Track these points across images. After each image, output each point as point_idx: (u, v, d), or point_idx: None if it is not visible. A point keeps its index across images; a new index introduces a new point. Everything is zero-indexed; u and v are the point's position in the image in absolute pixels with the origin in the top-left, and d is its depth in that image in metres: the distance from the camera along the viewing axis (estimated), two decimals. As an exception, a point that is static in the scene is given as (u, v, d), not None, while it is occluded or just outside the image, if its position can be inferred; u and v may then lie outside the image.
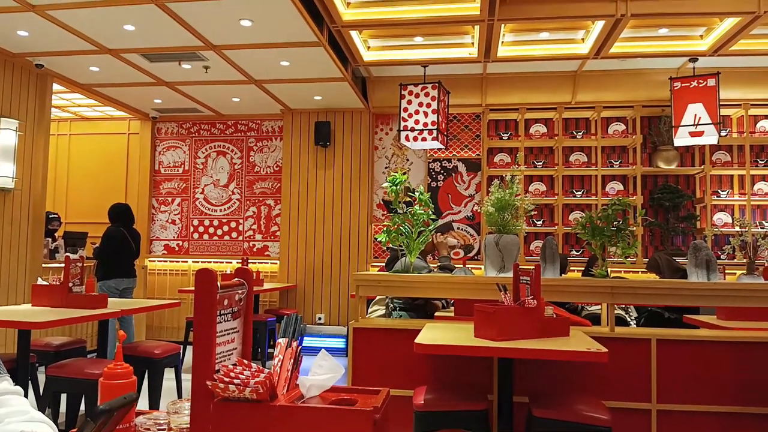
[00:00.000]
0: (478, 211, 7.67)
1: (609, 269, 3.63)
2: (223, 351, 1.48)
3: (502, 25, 5.64)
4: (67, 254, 4.61)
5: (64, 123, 9.00)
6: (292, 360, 1.51)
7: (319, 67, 6.22)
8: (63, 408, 4.13)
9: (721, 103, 5.94)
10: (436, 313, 4.05)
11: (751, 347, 3.19)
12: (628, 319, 5.31)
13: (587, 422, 2.56)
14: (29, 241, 6.30)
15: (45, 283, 4.09)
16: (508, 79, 7.33)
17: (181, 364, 4.67)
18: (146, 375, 4.19)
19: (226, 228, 8.38)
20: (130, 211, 6.47)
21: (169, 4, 4.76)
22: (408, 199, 3.72)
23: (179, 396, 4.67)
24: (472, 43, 6.14)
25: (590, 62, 6.61)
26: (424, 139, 6.21)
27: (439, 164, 7.85)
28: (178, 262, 8.39)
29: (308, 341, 7.50)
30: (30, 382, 3.84)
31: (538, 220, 7.55)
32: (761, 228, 7.03)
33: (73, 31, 5.34)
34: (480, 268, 6.34)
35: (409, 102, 6.25)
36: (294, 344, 1.53)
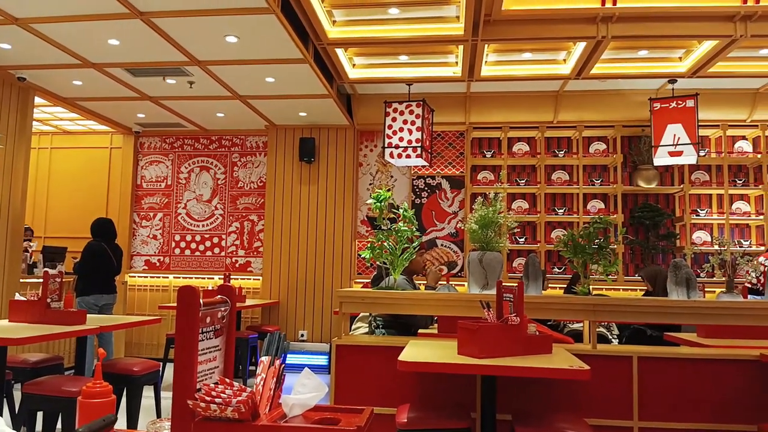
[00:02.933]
0: (462, 228, 7.70)
1: (591, 287, 3.66)
2: (205, 369, 1.46)
3: (486, 46, 5.71)
4: (46, 269, 4.54)
5: (46, 136, 8.92)
6: (274, 378, 1.50)
7: (305, 83, 6.24)
8: (39, 426, 4.04)
9: (699, 123, 6.06)
10: (420, 331, 4.05)
11: (732, 365, 3.22)
12: (610, 337, 5.35)
13: (570, 440, 2.56)
14: (7, 256, 6.19)
15: (23, 298, 4.01)
16: (491, 98, 7.42)
17: (161, 382, 4.60)
18: (125, 393, 4.11)
19: (208, 243, 8.32)
20: (113, 225, 6.40)
21: (155, 20, 4.76)
22: (392, 215, 3.73)
23: (158, 415, 4.59)
24: (456, 63, 6.20)
25: (572, 82, 6.71)
26: (408, 156, 6.24)
27: (423, 181, 7.89)
28: (159, 277, 8.29)
29: (291, 358, 7.42)
30: (5, 399, 3.75)
31: (520, 238, 7.60)
32: (740, 246, 7.14)
33: (56, 45, 5.31)
34: (464, 285, 6.35)
35: (394, 119, 6.29)
36: (277, 362, 1.52)
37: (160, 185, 8.52)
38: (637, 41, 5.62)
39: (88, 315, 4.01)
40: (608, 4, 5.05)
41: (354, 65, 6.46)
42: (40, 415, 4.01)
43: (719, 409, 3.19)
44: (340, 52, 5.94)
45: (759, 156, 7.28)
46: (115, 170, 8.70)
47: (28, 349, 5.46)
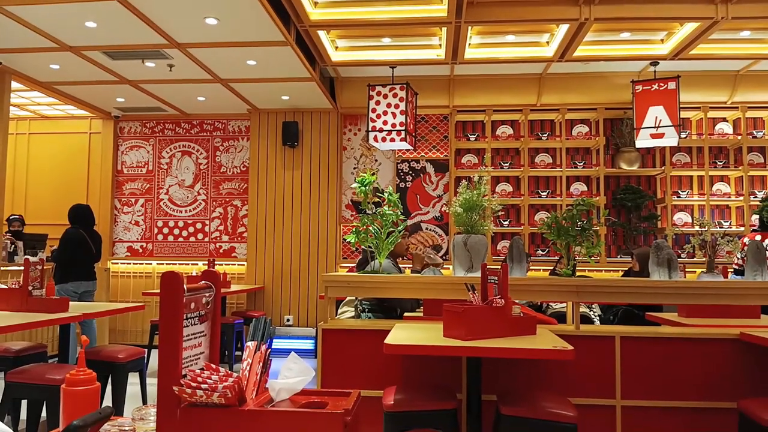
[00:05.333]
0: (447, 211, 7.72)
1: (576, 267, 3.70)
2: (190, 355, 1.45)
3: (469, 28, 5.69)
4: (27, 257, 4.47)
5: (23, 122, 8.75)
6: (261, 363, 1.49)
7: (287, 66, 6.17)
8: (23, 415, 4.01)
9: (681, 105, 6.11)
10: (405, 314, 4.06)
11: (712, 343, 3.28)
12: (592, 316, 5.42)
13: (553, 419, 2.60)
14: (-14, 244, 6.10)
15: (4, 286, 3.96)
16: (475, 80, 7.40)
17: (146, 369, 4.58)
18: (110, 380, 4.10)
19: (191, 229, 8.26)
20: (90, 212, 6.30)
21: (133, 2, 4.67)
22: (377, 199, 3.72)
23: (144, 402, 4.58)
24: (440, 45, 6.17)
25: (555, 65, 6.71)
26: (392, 140, 6.22)
27: (408, 165, 7.88)
28: (142, 264, 8.22)
29: (277, 343, 7.44)
30: (-13, 389, 3.71)
31: (504, 221, 7.64)
32: (720, 227, 7.25)
33: (33, 28, 5.19)
34: (449, 268, 6.38)
35: (378, 103, 6.26)
36: (263, 347, 1.52)
37: (141, 171, 8.42)
38: (620, 23, 5.63)
39: (70, 302, 3.97)
40: (591, -14, 5.04)
41: (337, 48, 6.40)
42: (24, 403, 3.98)
43: (700, 387, 3.25)
44: (322, 34, 5.88)
45: (739, 138, 7.36)
46: (94, 156, 8.57)
47: (10, 337, 5.40)
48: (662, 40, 6.09)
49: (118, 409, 4.02)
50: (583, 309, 5.28)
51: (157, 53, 5.83)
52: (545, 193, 7.63)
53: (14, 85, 6.66)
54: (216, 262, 7.76)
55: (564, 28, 5.64)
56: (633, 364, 3.29)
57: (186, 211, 8.29)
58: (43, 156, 8.71)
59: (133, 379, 4.37)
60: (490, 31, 5.94)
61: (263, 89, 7.09)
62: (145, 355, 4.44)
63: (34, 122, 8.78)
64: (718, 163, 7.48)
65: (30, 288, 3.83)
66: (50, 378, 3.44)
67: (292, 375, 1.49)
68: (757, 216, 5.51)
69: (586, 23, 5.39)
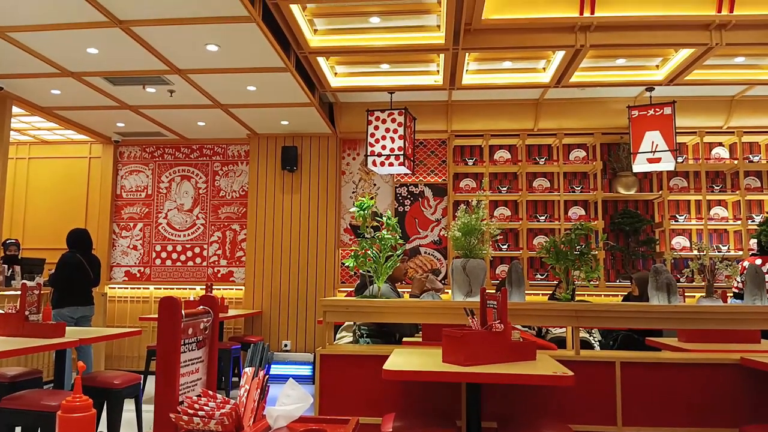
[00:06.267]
0: (445, 235, 7.73)
1: (574, 292, 3.69)
2: (187, 381, 1.44)
3: (467, 54, 5.76)
4: (24, 281, 4.46)
5: (23, 146, 8.79)
6: (258, 390, 1.48)
7: (286, 92, 6.23)
8: (16, 443, 3.95)
9: (677, 130, 6.16)
10: (404, 339, 4.04)
11: (713, 369, 3.26)
12: (592, 341, 5.39)
13: (555, 447, 2.56)
14: (-17, 268, 6.07)
15: (0, 311, 3.94)
16: (472, 106, 7.47)
17: (142, 395, 4.53)
18: (105, 406, 4.05)
19: (189, 254, 8.24)
20: (88, 236, 6.28)
21: (134, 28, 4.73)
22: (375, 223, 3.72)
23: (140, 429, 4.52)
24: (438, 71, 6.24)
25: (551, 91, 6.78)
26: (390, 165, 6.25)
27: (406, 189, 7.90)
28: (140, 288, 8.19)
29: (275, 369, 7.37)
30: (-19, 416, 3.66)
31: (503, 245, 7.64)
32: (718, 251, 7.25)
33: (35, 54, 5.24)
34: (447, 293, 6.35)
35: (376, 128, 6.30)
36: (261, 373, 1.51)
37: (140, 195, 8.43)
38: (615, 50, 5.70)
39: (67, 328, 3.94)
40: (586, 14, 5.12)
41: (336, 74, 6.47)
42: (18, 430, 3.93)
43: (701, 413, 3.22)
44: (321, 60, 5.94)
45: (735, 162, 7.41)
46: (94, 180, 8.59)
47: (5, 363, 5.35)
48: (657, 66, 6.16)
49: (113, 436, 3.96)
50: (583, 334, 5.25)
51: (157, 79, 5.89)
52: (543, 218, 7.64)
53: (15, 110, 6.70)
54: (214, 287, 7.73)
55: (560, 54, 5.71)
56: (634, 390, 3.26)
57: (184, 236, 8.29)
58: (42, 181, 8.73)
59: (129, 405, 4.31)
60: (487, 57, 6.01)
61: (263, 114, 7.14)
62: (141, 381, 4.40)
63: (34, 147, 8.82)
64: (715, 188, 7.51)
65: (26, 313, 3.81)
66: (45, 404, 3.40)
67: (290, 402, 1.48)
68: (756, 240, 5.52)
69: (582, 50, 5.46)
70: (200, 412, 1.33)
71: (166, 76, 5.79)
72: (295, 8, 4.86)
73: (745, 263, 5.32)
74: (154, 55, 5.23)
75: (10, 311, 3.86)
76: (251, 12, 4.39)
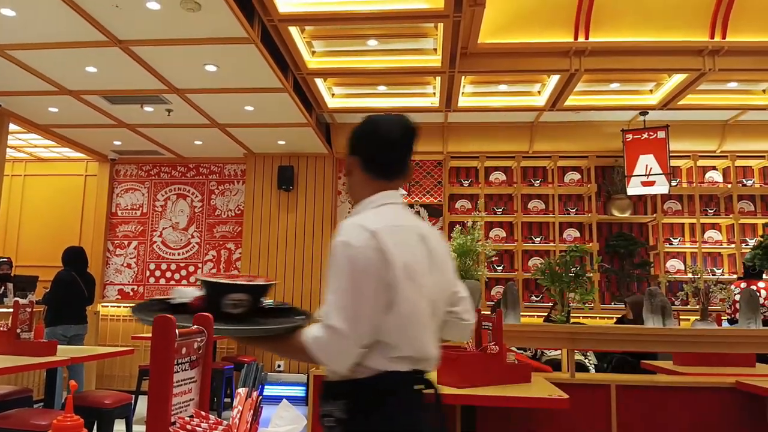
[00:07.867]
0: (440, 256, 7.70)
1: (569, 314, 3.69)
2: (180, 402, 1.43)
3: (463, 77, 5.81)
4: (17, 299, 4.43)
5: (19, 164, 8.78)
6: (251, 411, 1.47)
7: (284, 112, 6.26)
8: (4, 463, 3.89)
9: (670, 154, 6.21)
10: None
11: (708, 392, 3.25)
12: (587, 364, 5.37)
13: (550, 471, 2.54)
14: (-25, 286, 6.03)
15: (-9, 329, 3.90)
16: (468, 128, 7.52)
17: (133, 415, 4.48)
18: (95, 427, 3.99)
19: (184, 272, 8.20)
20: (84, 254, 6.26)
21: (134, 48, 4.76)
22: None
23: (130, 449, 4.46)
24: (434, 93, 6.29)
25: (546, 114, 6.84)
26: (386, 185, 6.26)
27: (402, 210, 7.89)
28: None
29: (268, 389, 7.29)
30: (-31, 435, 3.61)
31: (498, 266, 7.64)
32: (713, 275, 7.26)
33: (33, 72, 5.27)
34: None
35: (372, 148, 6.31)
36: (254, 394, 1.50)
37: (135, 213, 8.42)
38: (609, 74, 5.77)
39: (58, 346, 3.91)
40: (581, 39, 5.19)
41: (333, 95, 6.52)
42: (5, 451, 3.87)
43: (696, 437, 3.20)
44: (319, 81, 5.99)
45: (729, 186, 7.46)
46: (89, 198, 8.57)
47: (-6, 381, 5.28)
48: (651, 91, 6.23)
49: (102, 457, 3.90)
50: (578, 357, 5.23)
51: (155, 98, 5.92)
52: (539, 239, 7.65)
53: (12, 127, 6.71)
54: (208, 306, 7.66)
55: (555, 78, 5.77)
56: (629, 413, 3.24)
57: (179, 254, 8.26)
58: (37, 198, 8.71)
59: (120, 426, 4.26)
60: (482, 80, 6.07)
61: (260, 134, 7.17)
62: (133, 401, 4.35)
63: (30, 164, 8.82)
64: (709, 211, 7.55)
65: (18, 330, 3.78)
66: (35, 424, 3.36)
67: (284, 423, 1.46)
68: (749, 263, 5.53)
69: (576, 74, 5.53)
70: (192, 433, 1.32)
71: (165, 95, 5.82)
72: (294, 30, 4.91)
73: (732, 287, 5.33)
74: (152, 74, 5.27)
75: (1, 329, 3.83)
76: (250, 33, 4.43)
